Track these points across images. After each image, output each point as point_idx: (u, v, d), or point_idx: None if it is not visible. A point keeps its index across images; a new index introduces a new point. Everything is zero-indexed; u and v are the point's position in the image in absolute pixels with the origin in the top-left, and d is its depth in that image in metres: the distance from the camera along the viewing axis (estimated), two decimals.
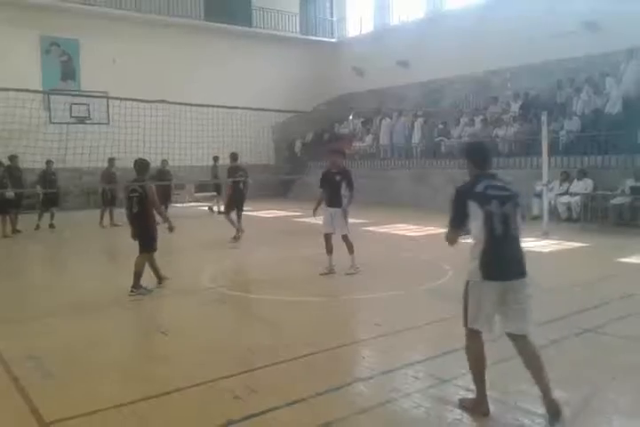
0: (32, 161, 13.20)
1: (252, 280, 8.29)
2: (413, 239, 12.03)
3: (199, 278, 8.23)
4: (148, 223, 7.43)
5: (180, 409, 3.99)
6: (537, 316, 5.90)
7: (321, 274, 8.27)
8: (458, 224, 3.78)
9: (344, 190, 8.21)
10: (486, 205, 3.59)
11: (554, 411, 3.58)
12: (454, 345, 5.10)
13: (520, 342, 3.78)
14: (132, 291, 7.25)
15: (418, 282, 7.88)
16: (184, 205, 20.07)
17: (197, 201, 21.67)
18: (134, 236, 7.54)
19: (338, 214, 8.21)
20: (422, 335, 5.62)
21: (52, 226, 14.53)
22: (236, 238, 11.68)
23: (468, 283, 3.87)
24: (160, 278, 7.76)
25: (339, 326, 6.06)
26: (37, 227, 14.29)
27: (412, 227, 13.38)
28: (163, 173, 15.25)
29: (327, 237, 8.41)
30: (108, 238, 13.94)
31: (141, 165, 7.57)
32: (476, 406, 3.80)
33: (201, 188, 21.89)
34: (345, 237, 8.27)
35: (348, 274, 8.15)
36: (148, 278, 7.59)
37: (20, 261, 11.16)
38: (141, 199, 7.33)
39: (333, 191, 8.30)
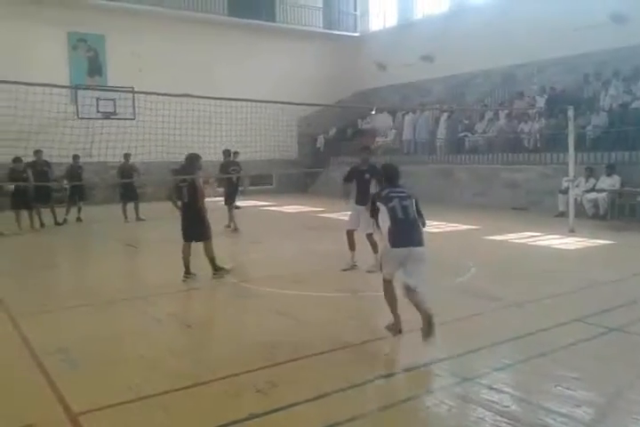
0: (59, 155, 13.42)
1: (275, 275, 8.31)
2: (436, 236, 11.97)
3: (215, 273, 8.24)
4: (201, 212, 7.80)
5: (204, 402, 4.05)
6: (562, 315, 5.90)
7: (343, 270, 8.28)
8: (371, 214, 5.75)
9: (373, 188, 8.12)
10: (389, 203, 5.38)
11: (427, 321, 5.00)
12: (479, 343, 5.10)
13: (411, 292, 5.19)
14: (214, 274, 7.88)
15: (441, 278, 7.84)
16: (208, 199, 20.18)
17: (221, 196, 21.71)
18: (186, 227, 7.82)
19: (364, 212, 8.18)
20: (446, 332, 5.59)
21: (79, 219, 14.76)
22: (229, 227, 12.70)
23: (384, 249, 5.54)
24: (187, 268, 7.95)
25: (361, 321, 6.08)
26: (65, 221, 14.52)
27: (435, 223, 13.31)
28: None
29: (349, 234, 8.41)
30: (134, 232, 14.12)
31: (191, 158, 7.94)
32: (394, 327, 5.45)
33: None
34: (369, 236, 8.20)
35: (368, 271, 8.11)
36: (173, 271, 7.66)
37: (48, 255, 11.36)
38: (190, 189, 7.71)
39: (362, 189, 8.27)
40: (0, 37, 18.18)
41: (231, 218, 12.99)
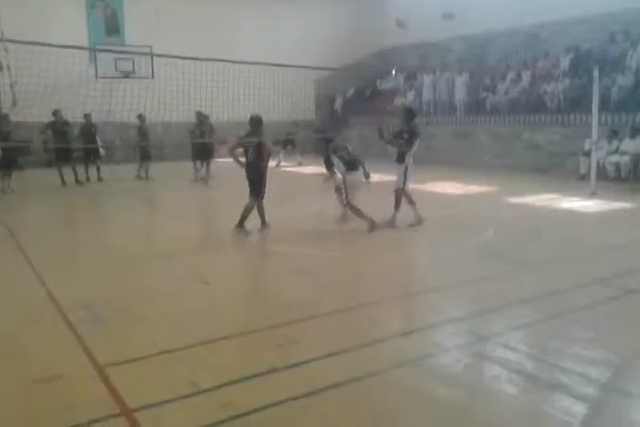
0: (80, 117, 13.49)
1: (295, 235, 8.38)
2: (454, 198, 11.94)
3: (241, 233, 8.31)
4: (261, 171, 8.21)
5: (225, 356, 4.16)
6: (580, 277, 5.92)
7: (410, 225, 8.49)
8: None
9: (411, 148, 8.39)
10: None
11: None
12: (496, 303, 5.15)
13: None
14: (235, 228, 8.15)
15: (458, 239, 7.87)
16: (225, 160, 20.18)
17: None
18: (250, 187, 8.23)
19: (398, 169, 8.52)
20: (463, 292, 5.65)
21: (99, 179, 14.92)
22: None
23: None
24: (264, 223, 8.48)
25: (380, 281, 6.12)
26: (87, 179, 14.72)
27: (453, 185, 13.25)
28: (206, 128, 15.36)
29: (396, 192, 8.61)
30: (151, 191, 14.26)
31: (257, 120, 8.31)
32: (371, 226, 7.78)
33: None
34: (397, 192, 8.52)
35: (410, 225, 8.45)
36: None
37: (71, 213, 11.54)
38: (257, 149, 8.11)
39: (402, 148, 8.47)
40: None
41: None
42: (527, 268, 6.41)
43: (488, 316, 4.92)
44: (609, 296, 5.37)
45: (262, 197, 8.33)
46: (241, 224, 8.22)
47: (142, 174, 15.56)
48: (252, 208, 8.29)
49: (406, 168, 8.43)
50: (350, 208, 8.42)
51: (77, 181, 14.24)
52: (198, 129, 14.82)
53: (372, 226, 8.17)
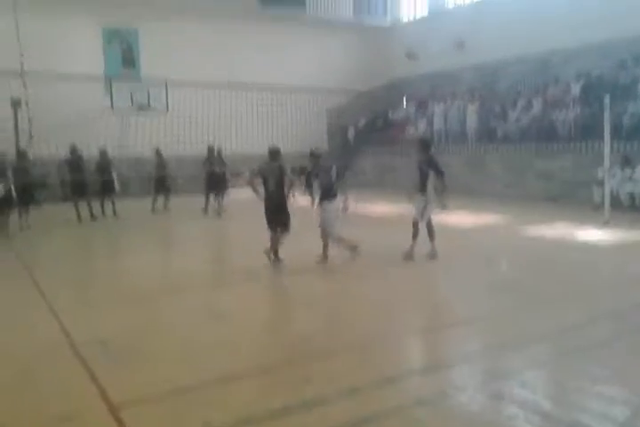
0: (96, 151, 13.65)
1: (309, 267, 8.38)
2: (467, 228, 11.90)
3: (257, 265, 8.35)
4: (283, 202, 8.32)
5: (241, 394, 4.13)
6: (596, 310, 5.84)
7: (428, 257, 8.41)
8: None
9: (430, 180, 8.36)
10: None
11: None
12: (511, 339, 5.09)
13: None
14: (272, 260, 8.29)
15: (473, 272, 7.83)
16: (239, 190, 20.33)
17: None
18: (271, 217, 8.27)
19: (419, 201, 8.45)
20: (478, 328, 5.60)
21: (114, 213, 15.03)
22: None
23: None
24: (276, 256, 8.41)
25: (394, 315, 6.09)
26: (102, 214, 14.85)
27: (467, 215, 13.23)
28: (218, 161, 15.59)
29: (414, 224, 8.55)
30: (169, 225, 14.37)
31: (276, 151, 8.41)
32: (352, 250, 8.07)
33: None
34: (415, 224, 8.46)
35: (430, 258, 8.37)
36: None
37: (86, 248, 11.64)
38: (278, 179, 8.19)
39: (421, 179, 8.45)
40: (39, 32, 18.44)
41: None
42: (542, 301, 6.34)
43: (504, 352, 4.86)
44: (626, 330, 5.30)
45: (288, 230, 8.34)
46: (277, 256, 8.35)
47: (158, 207, 15.70)
48: (279, 241, 8.34)
49: (427, 200, 8.38)
50: (333, 240, 8.35)
51: (92, 216, 14.36)
52: (208, 162, 15.11)
53: (353, 252, 8.33)
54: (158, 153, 15.76)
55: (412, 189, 8.58)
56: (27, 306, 6.63)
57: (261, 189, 8.41)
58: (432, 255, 8.38)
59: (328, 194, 8.30)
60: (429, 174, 8.36)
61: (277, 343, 5.33)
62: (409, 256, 8.42)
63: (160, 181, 15.91)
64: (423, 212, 8.39)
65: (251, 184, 8.56)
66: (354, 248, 8.40)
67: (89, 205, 14.30)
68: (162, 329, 5.77)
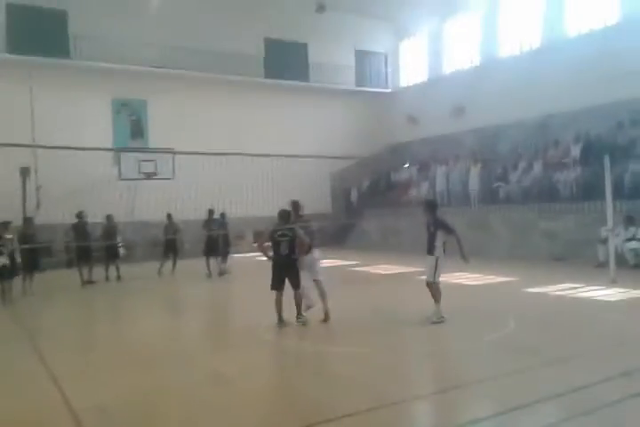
0: (102, 217, 13.84)
1: (312, 331, 8.30)
2: (474, 289, 11.82)
3: (258, 330, 8.30)
4: (296, 265, 8.45)
5: None
6: (607, 370, 5.72)
7: (433, 322, 8.21)
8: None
9: (439, 240, 8.36)
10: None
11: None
12: (520, 401, 4.97)
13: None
14: (299, 318, 8.44)
15: (480, 333, 7.72)
16: (244, 255, 20.39)
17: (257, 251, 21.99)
18: (280, 277, 8.38)
19: (429, 261, 8.44)
20: (487, 390, 5.48)
21: (119, 278, 15.07)
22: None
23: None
24: (280, 316, 8.49)
25: (400, 379, 5.97)
26: (107, 278, 14.98)
27: (471, 275, 13.16)
28: (223, 225, 15.77)
29: (428, 285, 8.47)
30: (172, 288, 14.32)
31: (287, 214, 8.62)
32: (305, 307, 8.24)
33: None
34: (429, 285, 8.37)
35: (433, 323, 8.17)
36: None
37: (89, 312, 11.58)
38: (291, 242, 8.35)
39: (429, 240, 8.49)
40: (50, 105, 19.15)
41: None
42: (551, 361, 6.22)
43: (512, 415, 4.73)
44: (637, 390, 5.17)
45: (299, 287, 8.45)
46: (300, 312, 8.47)
47: (165, 270, 15.92)
48: (301, 296, 8.47)
49: (437, 260, 8.36)
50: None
51: (90, 281, 14.38)
52: (208, 225, 15.48)
53: (307, 307, 8.55)
54: (169, 217, 16.21)
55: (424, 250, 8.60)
56: (26, 372, 6.55)
57: (270, 252, 8.54)
58: (436, 318, 8.25)
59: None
60: (437, 235, 8.38)
61: (282, 410, 5.20)
62: (438, 318, 8.26)
63: (169, 244, 16.22)
64: (434, 272, 8.36)
65: (261, 248, 8.64)
66: (307, 307, 8.60)
67: (89, 270, 14.36)
68: (163, 396, 5.65)
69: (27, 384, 6.08)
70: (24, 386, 6.01)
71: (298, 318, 8.48)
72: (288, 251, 8.41)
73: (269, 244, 8.64)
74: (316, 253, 8.81)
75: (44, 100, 18.51)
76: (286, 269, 8.44)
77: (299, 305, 8.49)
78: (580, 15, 20.30)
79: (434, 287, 8.36)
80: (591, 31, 19.86)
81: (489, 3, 23.39)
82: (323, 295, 8.65)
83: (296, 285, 8.44)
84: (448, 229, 8.41)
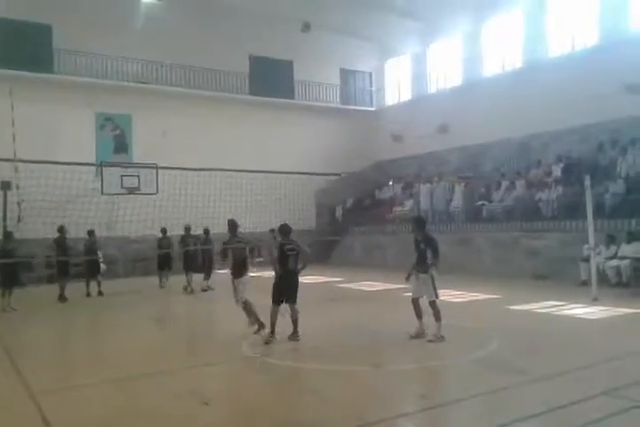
0: (84, 232, 13.69)
1: (294, 349, 8.22)
2: (457, 306, 11.83)
3: (241, 346, 8.22)
4: (298, 278, 8.58)
5: None
6: (589, 388, 5.73)
7: (411, 337, 8.26)
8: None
9: (430, 258, 8.33)
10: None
11: None
12: (504, 419, 4.95)
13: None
14: (294, 335, 8.42)
15: (463, 351, 7.71)
16: (227, 271, 20.19)
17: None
18: (282, 290, 8.42)
19: (424, 280, 8.32)
20: (470, 408, 5.45)
21: (100, 293, 14.89)
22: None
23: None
24: (273, 329, 8.48)
25: (383, 398, 5.93)
26: (88, 294, 14.84)
27: (455, 293, 13.18)
28: (206, 241, 15.77)
29: (415, 302, 8.46)
30: (154, 303, 14.16)
31: (286, 229, 8.72)
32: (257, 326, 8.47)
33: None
34: (432, 304, 8.29)
35: (429, 341, 8.10)
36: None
37: (69, 329, 11.39)
38: (296, 256, 8.49)
39: (420, 257, 8.46)
40: (32, 119, 18.99)
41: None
42: (534, 379, 6.21)
43: None
44: (621, 408, 5.18)
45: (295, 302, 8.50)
46: (296, 328, 8.44)
47: (163, 281, 16.48)
48: (297, 314, 8.47)
49: (432, 277, 8.32)
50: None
51: (62, 297, 14.16)
52: (183, 241, 15.84)
53: (258, 326, 8.77)
54: (164, 231, 16.52)
55: (412, 268, 8.55)
56: (3, 388, 6.41)
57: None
58: (435, 337, 8.18)
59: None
60: (428, 252, 8.35)
61: None
62: (419, 335, 8.28)
63: (164, 258, 16.59)
64: (426, 291, 8.30)
65: (275, 263, 8.62)
66: (257, 323, 8.85)
67: (62, 286, 14.13)
68: (143, 414, 5.55)
69: (4, 401, 5.95)
70: (1, 403, 5.87)
71: (294, 335, 8.46)
72: (294, 265, 8.51)
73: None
74: (249, 275, 9.26)
75: (26, 114, 18.36)
76: (292, 282, 8.50)
77: (295, 321, 8.48)
78: (561, 36, 20.72)
79: (436, 306, 8.28)
80: (572, 52, 20.26)
81: (472, 24, 23.78)
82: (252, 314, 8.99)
83: (295, 299, 8.47)
84: (434, 250, 8.34)
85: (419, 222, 8.81)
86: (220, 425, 5.15)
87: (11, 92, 14.08)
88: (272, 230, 16.72)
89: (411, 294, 8.63)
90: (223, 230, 14.87)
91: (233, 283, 9.33)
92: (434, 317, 8.26)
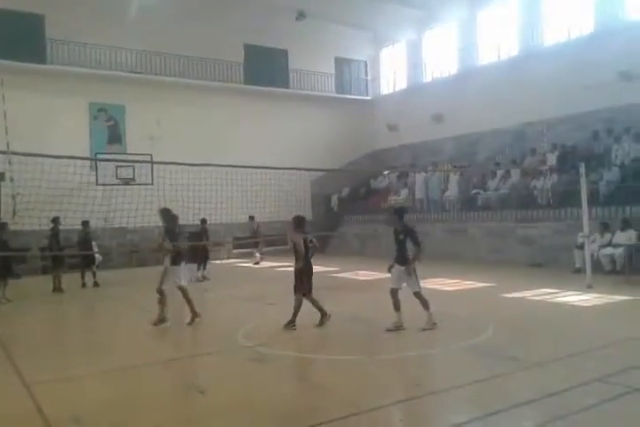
0: (79, 224, 13.65)
1: (290, 338, 8.25)
2: (452, 294, 11.87)
3: (236, 336, 8.23)
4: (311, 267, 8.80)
5: None
6: (583, 374, 5.77)
7: (387, 330, 8.17)
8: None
9: (410, 249, 8.27)
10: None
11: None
12: (498, 406, 4.98)
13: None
14: (286, 326, 8.47)
15: (458, 339, 7.74)
16: (222, 262, 20.25)
17: (236, 257, 21.95)
18: (302, 281, 8.60)
19: (405, 272, 8.24)
20: (464, 395, 5.48)
21: (96, 284, 14.90)
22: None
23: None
24: (323, 315, 8.70)
25: (379, 386, 5.96)
26: (84, 285, 14.84)
27: (450, 281, 13.22)
28: (202, 231, 15.73)
29: (393, 293, 8.33)
30: (150, 294, 14.15)
31: (302, 219, 8.95)
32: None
33: (239, 245, 22.08)
34: (417, 294, 8.23)
35: (424, 329, 8.09)
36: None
37: (64, 319, 11.39)
38: (307, 246, 8.70)
39: (399, 249, 8.39)
40: (25, 110, 18.86)
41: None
42: (528, 366, 6.25)
43: (489, 420, 4.74)
44: (615, 394, 5.21)
45: (311, 291, 8.63)
46: (324, 314, 8.61)
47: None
48: (301, 304, 8.52)
49: (414, 269, 8.22)
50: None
51: (59, 289, 14.18)
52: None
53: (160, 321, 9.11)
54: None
55: (393, 260, 8.48)
56: None
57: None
58: (429, 325, 8.17)
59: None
60: (407, 243, 8.29)
61: (259, 419, 5.15)
62: (430, 325, 8.17)
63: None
64: (409, 282, 8.21)
65: (300, 254, 8.68)
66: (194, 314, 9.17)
67: (57, 277, 14.12)
68: (138, 404, 5.56)
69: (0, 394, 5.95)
70: None
71: (290, 324, 8.51)
72: (310, 255, 8.79)
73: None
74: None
75: (18, 105, 18.22)
76: (303, 272, 8.65)
77: (297, 310, 8.56)
78: (557, 24, 20.65)
79: (421, 296, 8.24)
80: (567, 40, 20.22)
81: (467, 11, 23.66)
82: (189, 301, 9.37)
83: (307, 288, 8.62)
84: (415, 242, 8.20)
85: (398, 212, 8.69)
86: (215, 414, 5.16)
87: (2, 82, 13.93)
88: (252, 218, 16.92)
89: (390, 284, 8.51)
90: (218, 220, 14.98)
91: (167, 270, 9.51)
92: (422, 306, 8.21)
